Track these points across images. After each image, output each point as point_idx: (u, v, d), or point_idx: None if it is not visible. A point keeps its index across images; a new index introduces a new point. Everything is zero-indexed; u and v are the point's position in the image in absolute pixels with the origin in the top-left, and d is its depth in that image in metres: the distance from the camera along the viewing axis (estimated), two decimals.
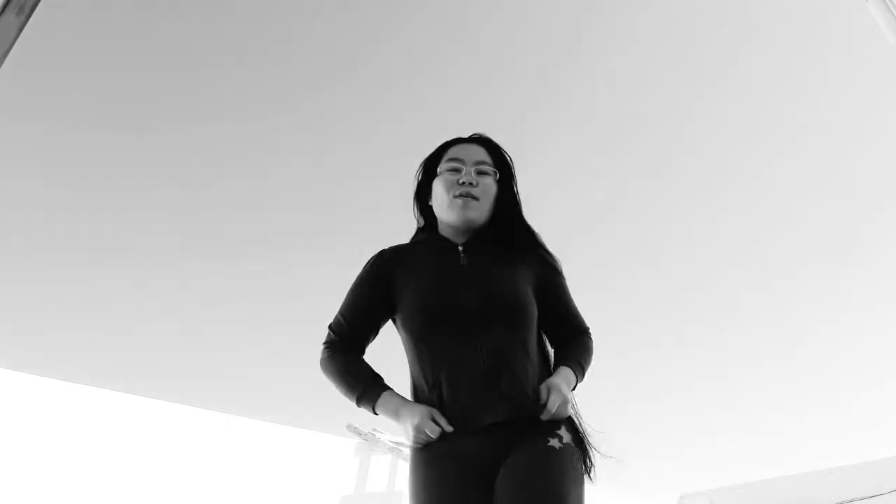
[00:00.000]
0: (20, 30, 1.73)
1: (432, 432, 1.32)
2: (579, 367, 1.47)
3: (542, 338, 1.53)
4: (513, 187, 1.59)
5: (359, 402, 1.44)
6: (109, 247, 3.38)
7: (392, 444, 4.80)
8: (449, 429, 1.33)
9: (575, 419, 1.44)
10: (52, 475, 3.24)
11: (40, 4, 1.81)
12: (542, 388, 1.35)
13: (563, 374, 1.41)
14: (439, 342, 1.39)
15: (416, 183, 1.61)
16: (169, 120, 2.94)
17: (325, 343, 1.55)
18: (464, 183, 1.48)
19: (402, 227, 1.66)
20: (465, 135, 1.63)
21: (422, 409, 1.35)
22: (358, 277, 1.55)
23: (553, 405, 1.32)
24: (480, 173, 1.52)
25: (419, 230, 1.64)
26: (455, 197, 1.48)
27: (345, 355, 1.51)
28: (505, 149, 1.62)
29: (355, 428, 4.78)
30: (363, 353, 1.55)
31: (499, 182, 1.55)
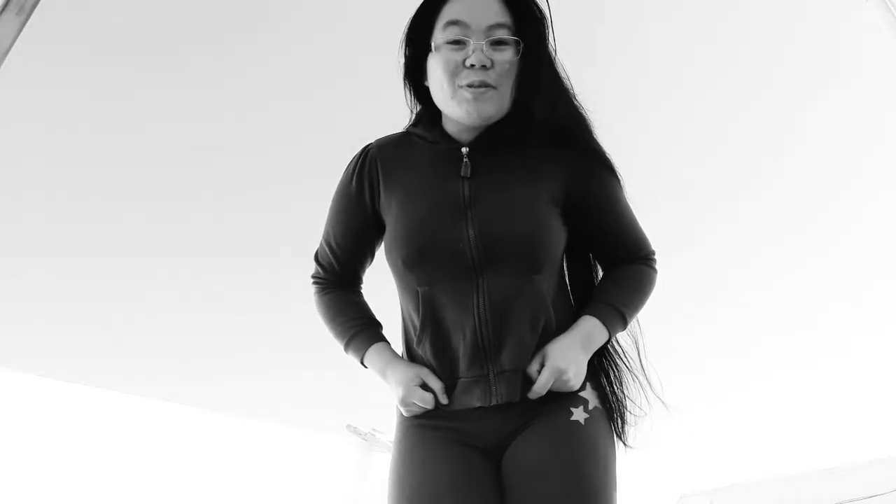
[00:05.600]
0: (20, 30, 1.73)
1: (424, 403, 1.04)
2: (613, 312, 1.10)
3: (580, 268, 1.20)
4: (545, 54, 1.09)
5: (345, 350, 1.18)
6: (107, 243, 3.38)
7: (392, 444, 4.80)
8: (444, 399, 1.04)
9: (604, 376, 1.15)
10: (50, 476, 3.24)
11: (40, 4, 1.81)
12: (536, 358, 1.03)
13: (579, 331, 1.06)
14: (426, 291, 1.05)
15: (402, 58, 1.15)
16: (171, 118, 2.95)
17: (312, 279, 1.25)
18: (473, 65, 1.02)
19: None
20: None
21: (407, 375, 1.06)
22: (339, 185, 1.18)
23: (543, 386, 1.01)
24: (496, 44, 1.04)
25: (418, 117, 1.20)
26: (461, 87, 1.04)
27: (335, 292, 1.21)
28: None
29: (355, 428, 4.79)
30: (359, 282, 1.25)
31: (524, 52, 1.06)
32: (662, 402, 1.17)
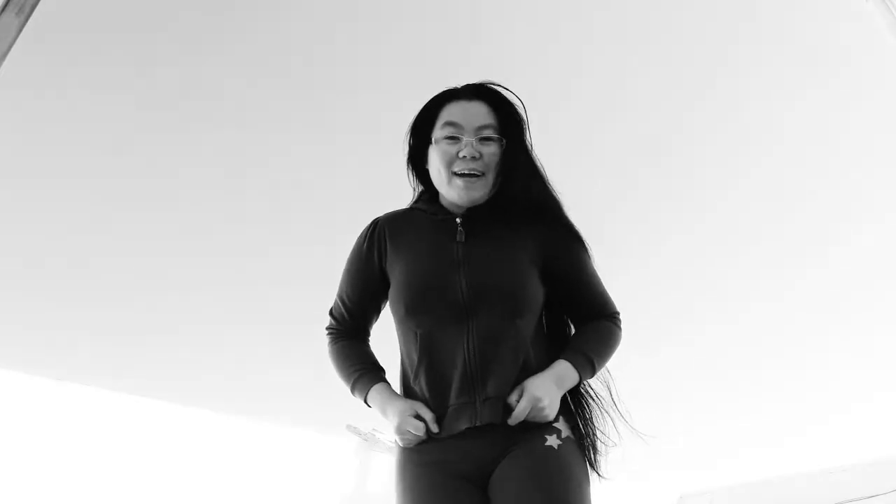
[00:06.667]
0: (20, 30, 1.73)
1: (417, 430, 1.20)
2: (583, 359, 1.29)
3: (556, 324, 1.39)
4: (523, 149, 1.36)
5: (352, 392, 1.36)
6: (106, 244, 3.39)
7: (392, 444, 4.80)
8: (435, 428, 1.20)
9: (577, 411, 1.33)
10: (50, 476, 3.24)
11: (40, 4, 1.81)
12: (516, 390, 1.21)
13: (554, 371, 1.25)
14: (424, 332, 1.25)
15: (407, 147, 1.42)
16: (177, 124, 2.95)
17: (326, 330, 1.45)
18: (464, 157, 1.29)
19: None
20: (462, 83, 1.40)
21: (402, 408, 1.24)
22: (352, 251, 1.42)
23: (521, 412, 1.18)
24: (484, 140, 1.31)
25: (420, 195, 1.46)
26: (455, 175, 1.30)
27: (343, 341, 1.41)
28: (513, 99, 1.39)
29: (355, 428, 4.79)
30: (367, 334, 1.44)
31: (507, 147, 1.33)
32: (637, 431, 1.37)
